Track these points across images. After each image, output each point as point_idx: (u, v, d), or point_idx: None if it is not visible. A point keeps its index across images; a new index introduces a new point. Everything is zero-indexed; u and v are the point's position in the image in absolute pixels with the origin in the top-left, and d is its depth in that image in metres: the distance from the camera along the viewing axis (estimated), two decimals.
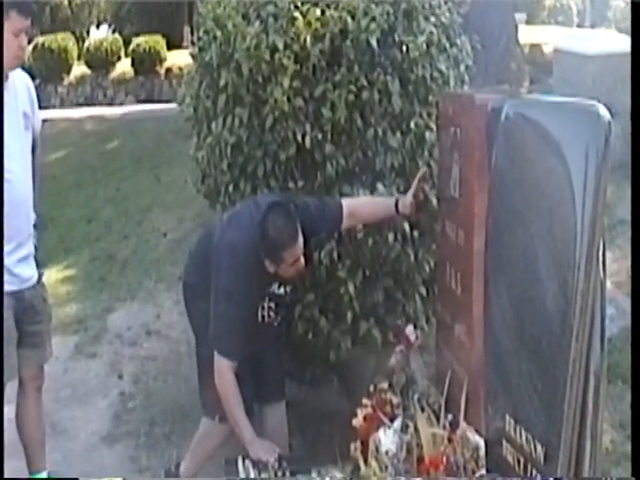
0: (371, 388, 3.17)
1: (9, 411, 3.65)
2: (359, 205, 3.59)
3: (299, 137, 3.61)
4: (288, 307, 3.67)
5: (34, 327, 3.58)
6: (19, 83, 3.53)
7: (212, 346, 3.38)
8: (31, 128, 3.59)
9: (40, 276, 3.64)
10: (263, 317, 3.50)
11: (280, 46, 3.57)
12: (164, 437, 4.46)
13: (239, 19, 3.75)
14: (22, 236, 3.48)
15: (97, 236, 7.70)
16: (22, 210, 3.49)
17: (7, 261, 3.37)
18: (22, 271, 3.47)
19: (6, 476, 2.86)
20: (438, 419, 2.89)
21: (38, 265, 3.64)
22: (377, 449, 2.87)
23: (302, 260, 3.36)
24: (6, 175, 3.33)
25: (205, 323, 3.46)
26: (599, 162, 2.06)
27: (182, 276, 3.83)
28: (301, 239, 3.30)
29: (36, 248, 3.63)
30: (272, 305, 3.51)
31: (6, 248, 3.37)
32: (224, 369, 3.37)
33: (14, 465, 3.71)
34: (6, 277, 3.37)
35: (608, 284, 2.25)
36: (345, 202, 3.53)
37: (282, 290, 3.51)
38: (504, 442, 2.50)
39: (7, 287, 3.37)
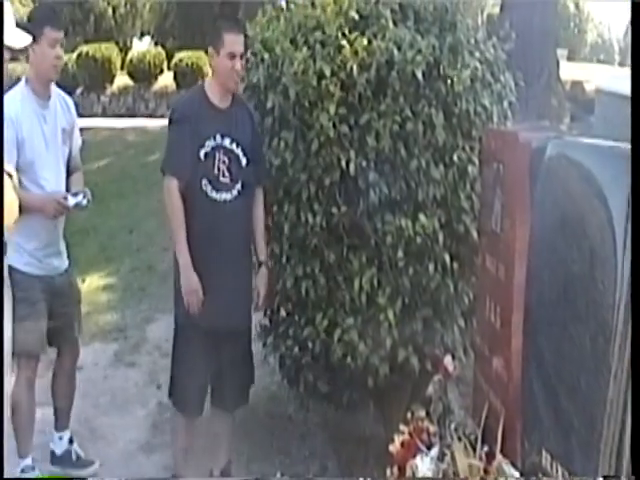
0: (408, 415, 3.17)
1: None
2: None
3: (343, 163, 3.67)
4: (244, 179, 3.78)
5: (64, 308, 4.15)
6: (60, 101, 4.03)
7: (163, 169, 3.71)
8: (68, 143, 4.05)
9: (69, 266, 4.21)
10: (214, 166, 3.70)
11: (327, 73, 3.64)
12: None
13: (287, 43, 3.83)
14: (52, 237, 4.04)
15: (138, 247, 7.76)
16: None
17: (37, 254, 3.94)
18: (50, 262, 4.04)
19: (6, 476, 2.92)
20: (474, 450, 2.89)
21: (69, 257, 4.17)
22: (414, 475, 2.88)
23: (239, 64, 3.68)
24: (41, 182, 3.84)
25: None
26: None
27: None
28: (242, 39, 3.69)
29: None
30: (225, 159, 3.70)
31: (36, 244, 3.93)
32: (172, 188, 3.66)
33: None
34: (36, 265, 3.94)
35: None
36: None
37: (227, 141, 3.71)
38: (540, 476, 2.50)
39: (37, 272, 3.94)
